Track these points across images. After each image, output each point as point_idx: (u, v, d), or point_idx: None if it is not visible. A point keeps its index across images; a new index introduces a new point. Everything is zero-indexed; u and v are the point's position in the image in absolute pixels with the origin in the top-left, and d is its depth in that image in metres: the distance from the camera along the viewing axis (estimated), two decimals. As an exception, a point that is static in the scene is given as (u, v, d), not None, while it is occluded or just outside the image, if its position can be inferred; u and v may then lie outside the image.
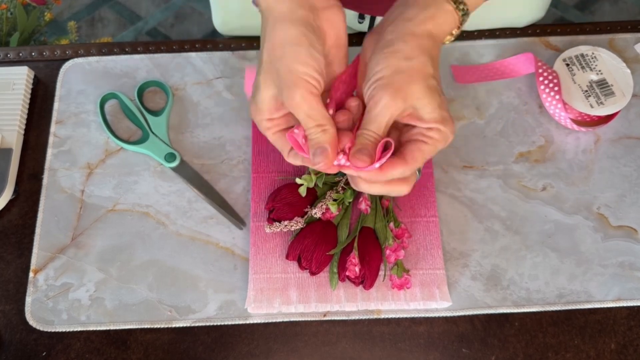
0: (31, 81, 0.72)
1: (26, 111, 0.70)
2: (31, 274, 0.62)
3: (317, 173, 0.62)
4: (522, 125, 0.69)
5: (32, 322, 0.61)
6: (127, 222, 0.65)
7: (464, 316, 0.61)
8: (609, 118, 0.67)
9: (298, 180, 0.61)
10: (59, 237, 0.64)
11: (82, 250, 0.63)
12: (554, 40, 0.73)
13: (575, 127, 0.67)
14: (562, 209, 0.65)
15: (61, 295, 0.62)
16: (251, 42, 0.74)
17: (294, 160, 0.51)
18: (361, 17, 0.75)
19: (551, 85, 0.66)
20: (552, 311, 0.61)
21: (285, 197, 0.62)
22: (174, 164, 0.67)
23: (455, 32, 0.49)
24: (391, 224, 0.62)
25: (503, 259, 0.63)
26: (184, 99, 0.71)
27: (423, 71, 0.46)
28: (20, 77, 0.70)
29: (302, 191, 0.61)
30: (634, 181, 0.66)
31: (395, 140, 0.48)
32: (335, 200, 0.62)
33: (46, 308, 0.61)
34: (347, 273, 0.59)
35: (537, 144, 0.68)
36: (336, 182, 0.64)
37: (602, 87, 0.66)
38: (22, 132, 0.69)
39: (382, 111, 0.45)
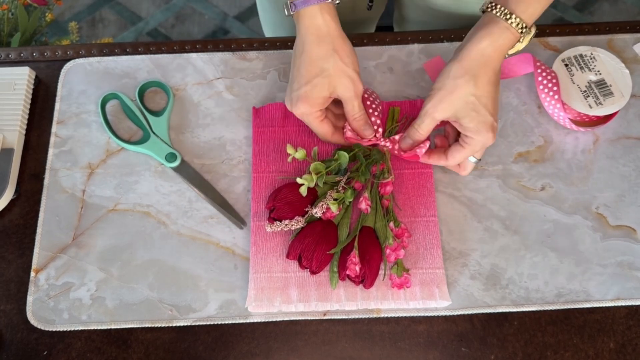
0: (32, 81, 0.72)
1: (27, 111, 0.70)
2: (32, 274, 0.63)
3: (317, 172, 0.62)
4: (521, 125, 0.69)
5: (33, 321, 0.61)
6: (128, 222, 0.65)
7: (464, 315, 0.61)
8: (607, 118, 0.67)
9: (299, 180, 0.61)
10: (60, 236, 0.64)
11: (83, 250, 0.64)
12: (553, 40, 0.74)
13: (574, 127, 0.67)
14: (561, 209, 0.65)
15: (62, 295, 0.62)
16: (251, 43, 0.75)
17: (338, 139, 0.65)
18: (371, 0, 0.76)
19: (550, 85, 0.66)
20: (551, 310, 0.61)
21: (285, 197, 0.62)
22: (175, 164, 0.67)
23: (518, 45, 0.59)
24: (391, 224, 0.62)
25: (502, 259, 0.63)
26: (185, 99, 0.71)
27: (463, 89, 0.58)
28: (21, 78, 0.70)
29: (303, 191, 0.61)
30: (632, 181, 0.66)
31: (453, 134, 0.64)
32: (335, 199, 0.62)
33: (47, 307, 0.61)
34: (347, 272, 0.60)
35: (536, 144, 0.68)
36: (336, 182, 0.64)
37: (601, 88, 0.66)
38: (24, 132, 0.69)
39: (424, 114, 0.60)
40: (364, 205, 0.63)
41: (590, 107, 0.66)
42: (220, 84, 0.72)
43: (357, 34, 0.75)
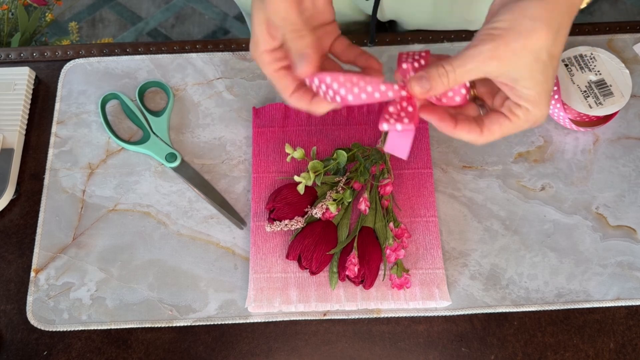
0: (32, 81, 0.72)
1: (27, 111, 0.70)
2: (32, 274, 0.63)
3: (315, 171, 0.62)
4: (521, 125, 0.69)
5: (33, 321, 0.61)
6: (128, 222, 0.65)
7: (464, 315, 0.61)
8: (607, 118, 0.67)
9: (296, 178, 0.61)
10: (60, 236, 0.64)
11: (83, 250, 0.64)
12: (553, 40, 0.74)
13: (574, 127, 0.67)
14: (561, 209, 0.65)
15: (62, 295, 0.62)
16: (251, 43, 0.75)
17: (298, 102, 0.48)
18: None
19: (550, 85, 0.66)
20: (551, 310, 0.61)
21: (285, 197, 0.62)
22: (175, 164, 0.67)
23: None
24: (391, 224, 0.62)
25: (502, 259, 0.63)
26: (185, 99, 0.71)
27: (541, 39, 0.42)
28: (21, 78, 0.70)
29: (301, 189, 0.61)
30: (632, 181, 0.66)
31: (486, 95, 0.47)
32: (334, 200, 0.62)
33: (47, 307, 0.61)
34: (346, 272, 0.60)
35: (536, 144, 0.68)
36: (336, 182, 0.64)
37: (601, 88, 0.66)
38: (24, 132, 0.69)
39: (468, 57, 0.43)
40: (363, 206, 0.63)
41: (590, 107, 0.66)
42: (220, 84, 0.72)
43: (357, 34, 0.75)
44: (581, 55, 0.68)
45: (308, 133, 0.68)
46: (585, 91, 0.66)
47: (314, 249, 0.60)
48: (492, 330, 0.61)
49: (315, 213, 0.62)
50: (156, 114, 0.69)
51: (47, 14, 1.74)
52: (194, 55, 0.74)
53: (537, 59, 0.42)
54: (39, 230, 0.65)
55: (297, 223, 0.62)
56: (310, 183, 0.62)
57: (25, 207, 0.66)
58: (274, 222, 0.62)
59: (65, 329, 0.61)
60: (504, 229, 0.64)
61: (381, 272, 0.61)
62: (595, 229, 0.64)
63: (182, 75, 0.72)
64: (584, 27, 0.75)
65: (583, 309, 0.61)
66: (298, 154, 0.63)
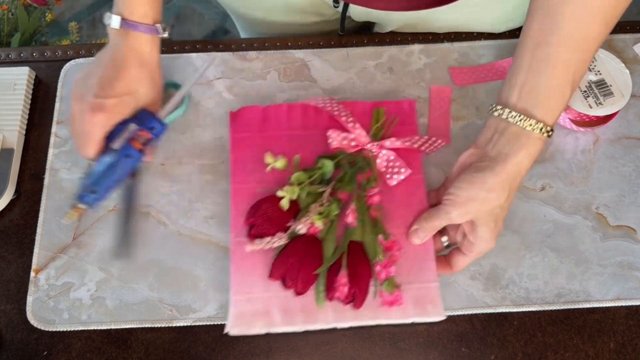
0: (32, 81, 0.72)
1: (27, 111, 0.70)
2: (32, 274, 0.63)
3: (299, 183, 0.59)
4: (521, 125, 0.69)
5: (33, 321, 0.61)
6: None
7: (464, 315, 0.61)
8: (607, 118, 0.67)
9: (279, 193, 0.58)
10: (60, 236, 0.64)
11: (83, 250, 0.64)
12: (553, 40, 0.74)
13: (574, 127, 0.67)
14: (561, 209, 0.65)
15: (62, 295, 0.62)
16: (251, 43, 0.75)
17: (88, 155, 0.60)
18: (336, 1, 0.75)
19: (550, 85, 0.66)
20: (551, 310, 0.61)
21: (265, 212, 0.59)
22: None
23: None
24: (380, 237, 0.59)
25: (502, 259, 0.63)
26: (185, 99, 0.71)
27: (494, 202, 0.55)
28: (21, 78, 0.70)
29: (285, 204, 0.58)
30: (632, 181, 0.66)
31: (452, 229, 0.60)
32: (320, 213, 0.59)
33: (47, 307, 0.61)
34: (336, 294, 0.57)
35: (536, 144, 0.68)
36: (320, 193, 0.60)
37: (601, 88, 0.66)
38: (23, 132, 0.69)
39: (442, 220, 0.58)
40: (350, 218, 0.60)
41: (591, 107, 0.66)
42: (220, 84, 0.72)
43: (357, 34, 0.75)
44: (581, 55, 0.68)
45: (289, 138, 0.64)
46: (585, 91, 0.66)
47: (299, 268, 0.57)
48: (492, 330, 0.60)
49: (300, 229, 0.58)
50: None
51: (47, 14, 1.74)
52: (193, 55, 0.73)
53: (491, 212, 0.56)
54: (38, 230, 0.65)
55: (280, 240, 0.58)
56: (294, 197, 0.58)
57: (25, 207, 0.66)
58: (255, 240, 0.58)
59: (65, 329, 0.61)
60: (504, 229, 0.64)
61: (372, 289, 0.58)
62: (595, 229, 0.64)
63: (182, 75, 0.72)
64: (584, 27, 0.75)
65: (583, 309, 0.61)
66: (280, 163, 0.60)
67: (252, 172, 0.63)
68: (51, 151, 0.68)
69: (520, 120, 0.54)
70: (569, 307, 0.61)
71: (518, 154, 0.54)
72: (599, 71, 0.67)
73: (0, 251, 0.64)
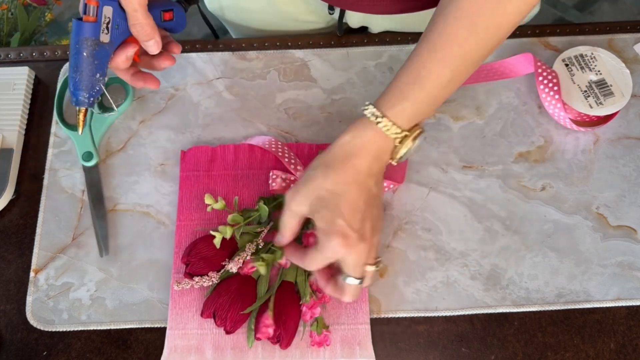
0: (32, 81, 0.72)
1: (27, 111, 0.70)
2: (32, 274, 0.63)
3: (233, 225, 0.60)
4: (521, 125, 0.69)
5: (32, 321, 0.61)
6: (128, 222, 0.65)
7: (464, 315, 0.61)
8: (608, 118, 0.67)
9: (212, 232, 0.59)
10: (60, 236, 0.64)
11: (83, 250, 0.64)
12: (553, 40, 0.74)
13: (575, 127, 0.67)
14: (561, 209, 0.65)
15: (62, 295, 0.62)
16: (251, 43, 0.75)
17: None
18: (331, 8, 0.75)
19: (550, 85, 0.66)
20: (552, 311, 0.61)
21: (200, 251, 0.60)
22: (89, 164, 0.66)
23: (400, 147, 0.54)
24: (312, 277, 0.59)
25: (502, 259, 0.63)
26: (185, 99, 0.71)
27: (317, 181, 0.52)
28: (21, 78, 0.70)
29: (217, 243, 0.59)
30: (633, 181, 0.66)
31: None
32: (264, 260, 0.59)
33: (47, 308, 0.61)
34: (258, 335, 0.57)
35: (536, 144, 0.68)
36: (257, 233, 0.61)
37: (602, 88, 0.66)
38: (23, 132, 0.69)
39: (285, 207, 0.55)
40: (284, 259, 0.59)
41: (591, 107, 0.65)
42: (220, 84, 0.72)
43: (357, 34, 0.75)
44: (582, 55, 0.68)
45: (234, 178, 0.65)
46: (585, 91, 0.66)
47: (229, 307, 0.57)
48: (492, 331, 0.60)
49: (231, 268, 0.59)
50: (107, 110, 0.69)
51: (46, 14, 1.74)
52: (193, 55, 0.73)
53: (319, 196, 0.52)
54: (38, 230, 0.64)
55: (210, 280, 0.59)
56: (228, 237, 0.59)
57: (25, 207, 0.66)
58: (184, 280, 0.59)
59: (64, 329, 0.60)
60: (504, 229, 0.64)
61: (301, 329, 0.59)
62: (596, 229, 0.64)
63: (182, 75, 0.72)
64: (584, 27, 0.75)
65: (583, 309, 0.61)
66: (219, 205, 0.61)
67: (196, 210, 0.64)
68: (50, 151, 0.68)
69: (364, 108, 0.54)
70: (569, 307, 0.61)
71: (344, 136, 0.54)
72: (599, 71, 0.67)
73: (0, 251, 0.64)
